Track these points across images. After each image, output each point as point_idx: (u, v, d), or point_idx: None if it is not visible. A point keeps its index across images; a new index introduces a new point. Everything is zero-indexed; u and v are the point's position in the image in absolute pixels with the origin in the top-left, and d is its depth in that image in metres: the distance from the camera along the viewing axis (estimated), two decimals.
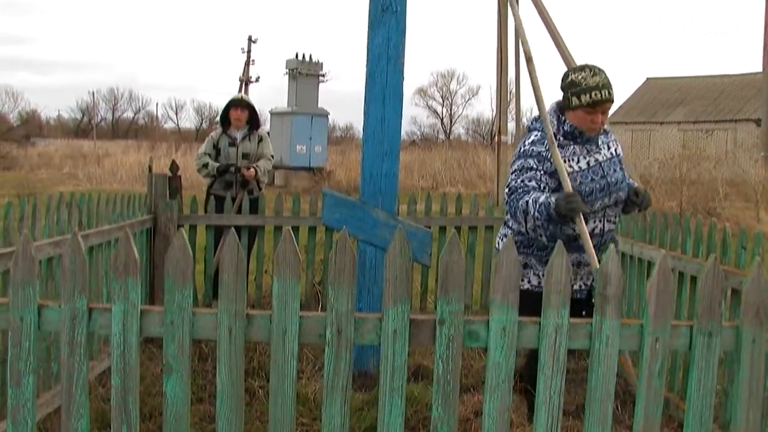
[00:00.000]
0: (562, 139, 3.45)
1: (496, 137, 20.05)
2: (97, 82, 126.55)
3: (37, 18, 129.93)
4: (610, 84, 3.37)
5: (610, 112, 3.56)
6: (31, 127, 56.25)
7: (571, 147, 3.46)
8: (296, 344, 2.28)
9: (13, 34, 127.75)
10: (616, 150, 3.61)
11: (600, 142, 3.55)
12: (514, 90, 22.67)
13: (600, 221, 3.50)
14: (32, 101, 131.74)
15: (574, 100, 3.38)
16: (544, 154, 3.39)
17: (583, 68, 3.42)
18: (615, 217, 3.58)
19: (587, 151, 3.48)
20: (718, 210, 14.69)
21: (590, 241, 3.32)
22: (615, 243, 3.68)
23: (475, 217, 6.41)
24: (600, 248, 3.47)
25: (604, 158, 3.52)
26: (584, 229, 3.29)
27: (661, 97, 39.39)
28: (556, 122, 3.48)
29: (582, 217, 3.28)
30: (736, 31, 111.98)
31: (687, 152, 18.82)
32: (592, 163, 3.46)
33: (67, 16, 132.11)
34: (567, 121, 3.45)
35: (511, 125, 20.33)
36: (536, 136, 3.46)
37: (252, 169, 6.50)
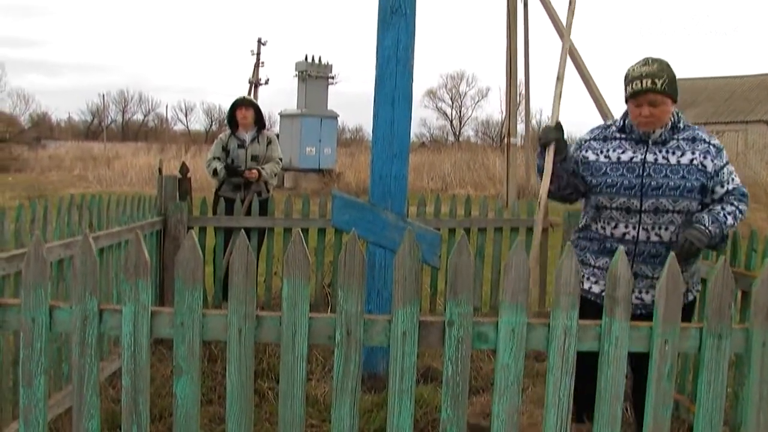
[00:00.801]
0: (615, 131, 3.39)
1: (506, 139, 20.10)
2: (107, 84, 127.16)
3: (47, 20, 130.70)
4: (659, 74, 3.16)
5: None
6: (42, 129, 56.51)
7: (617, 141, 3.36)
8: (306, 345, 2.29)
9: (24, 36, 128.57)
10: (693, 160, 3.25)
11: (672, 145, 3.28)
12: (523, 92, 22.74)
13: (633, 228, 3.28)
14: (43, 103, 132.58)
15: (624, 93, 3.31)
16: (583, 140, 3.47)
17: (640, 60, 3.28)
18: (657, 228, 3.26)
19: (645, 149, 3.29)
20: None
21: (548, 176, 3.39)
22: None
23: (485, 219, 6.40)
24: (642, 261, 3.30)
25: (660, 160, 3.25)
26: (549, 161, 3.39)
27: None
28: (620, 118, 3.43)
29: (553, 148, 3.39)
30: (735, 32, 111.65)
31: None
32: (635, 159, 3.27)
33: (78, 19, 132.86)
34: (627, 116, 3.36)
35: (521, 127, 20.30)
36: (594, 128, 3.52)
37: (254, 171, 6.55)
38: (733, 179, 3.32)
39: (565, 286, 2.24)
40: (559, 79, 3.71)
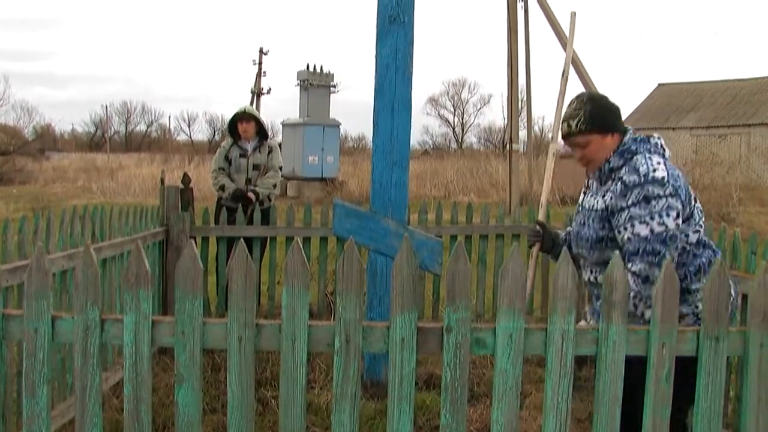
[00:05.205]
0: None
1: (508, 145, 20.11)
2: (110, 95, 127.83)
3: (50, 34, 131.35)
4: (575, 113, 2.91)
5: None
6: (46, 141, 56.70)
7: (590, 180, 3.09)
8: (305, 353, 2.31)
9: (27, 50, 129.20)
10: (602, 203, 2.90)
11: (607, 186, 2.93)
12: (525, 98, 22.77)
13: (590, 272, 3.00)
14: (46, 115, 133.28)
15: None
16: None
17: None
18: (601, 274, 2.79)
19: (602, 192, 2.95)
20: (732, 215, 14.63)
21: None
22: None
23: (486, 226, 6.42)
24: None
25: (586, 206, 3.02)
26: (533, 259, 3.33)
27: (674, 103, 39.23)
28: None
29: (537, 249, 3.30)
30: (735, 33, 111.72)
31: (699, 157, 18.78)
32: (584, 205, 3.04)
33: (80, 32, 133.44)
34: None
35: (523, 133, 20.27)
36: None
37: (251, 194, 6.62)
38: (629, 227, 2.75)
39: (562, 290, 2.26)
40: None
